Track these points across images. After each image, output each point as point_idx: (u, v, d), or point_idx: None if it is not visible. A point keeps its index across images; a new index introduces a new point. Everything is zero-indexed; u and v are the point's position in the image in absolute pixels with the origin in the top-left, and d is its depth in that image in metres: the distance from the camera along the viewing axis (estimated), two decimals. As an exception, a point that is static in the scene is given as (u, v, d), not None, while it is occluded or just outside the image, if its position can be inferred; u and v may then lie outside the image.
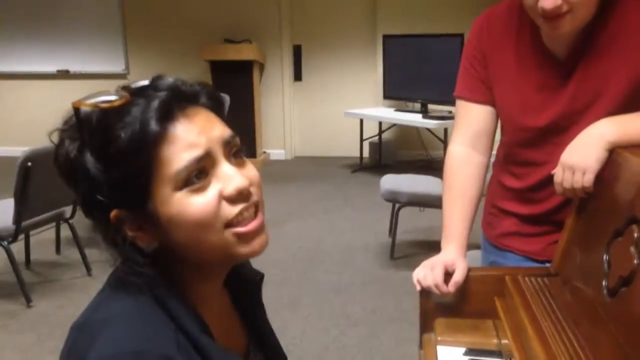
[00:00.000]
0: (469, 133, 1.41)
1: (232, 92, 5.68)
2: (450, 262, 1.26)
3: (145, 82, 0.72)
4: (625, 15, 1.24)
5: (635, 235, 0.96)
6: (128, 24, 6.61)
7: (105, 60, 6.75)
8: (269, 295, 0.91)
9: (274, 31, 6.49)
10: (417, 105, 5.85)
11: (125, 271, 0.70)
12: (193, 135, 0.69)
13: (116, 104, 0.66)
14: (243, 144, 0.78)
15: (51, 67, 6.82)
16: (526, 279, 1.23)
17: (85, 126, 0.66)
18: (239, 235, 0.72)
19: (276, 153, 6.77)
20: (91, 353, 0.62)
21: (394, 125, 6.16)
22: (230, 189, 0.71)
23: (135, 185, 0.66)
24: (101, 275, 3.50)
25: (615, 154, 1.16)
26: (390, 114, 5.82)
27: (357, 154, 6.30)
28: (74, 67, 6.78)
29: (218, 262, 0.75)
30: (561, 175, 1.19)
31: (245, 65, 6.16)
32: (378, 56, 6.31)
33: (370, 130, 6.24)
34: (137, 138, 0.65)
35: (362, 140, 6.22)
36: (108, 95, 0.67)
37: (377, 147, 6.33)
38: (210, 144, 0.70)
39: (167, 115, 0.68)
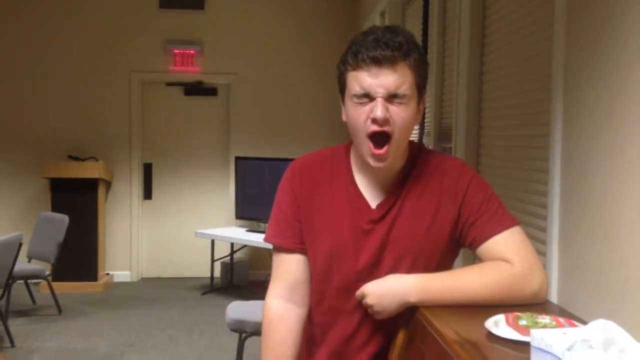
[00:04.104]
0: (285, 284, 1.40)
1: (74, 211, 5.41)
2: None
3: None
4: (433, 175, 1.37)
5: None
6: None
7: None
8: None
9: (124, 149, 6.35)
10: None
11: None
12: None
13: None
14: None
15: None
16: None
17: None
18: None
19: (121, 275, 6.39)
20: None
21: (246, 245, 6.13)
22: None
23: None
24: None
25: (419, 313, 1.22)
26: (241, 235, 5.80)
27: (208, 275, 6.13)
28: None
29: None
30: (360, 298, 1.32)
31: (90, 183, 5.90)
32: (231, 177, 6.38)
33: (222, 250, 6.15)
34: None
35: (212, 260, 6.09)
36: None
37: (229, 267, 6.22)
38: None
39: None
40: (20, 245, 4.40)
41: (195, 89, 6.47)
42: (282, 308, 1.38)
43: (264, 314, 1.40)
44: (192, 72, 6.38)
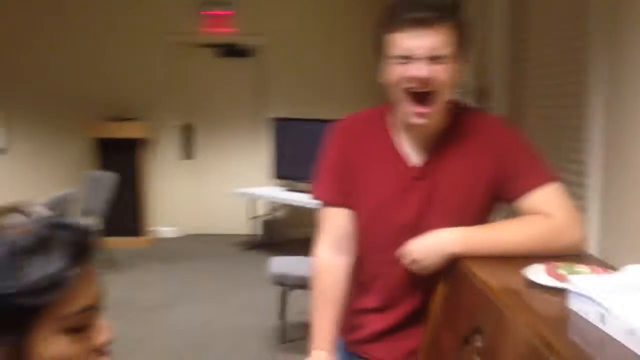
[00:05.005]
0: (331, 237, 1.47)
1: (119, 169, 5.60)
2: None
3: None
4: (473, 133, 1.41)
5: (478, 344, 1.07)
6: (6, 100, 6.31)
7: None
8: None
9: (163, 110, 6.49)
10: (307, 185, 6.01)
11: None
12: None
13: None
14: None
15: None
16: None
17: None
18: None
19: (167, 230, 6.63)
20: None
21: (284, 204, 6.26)
22: None
23: None
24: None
25: (461, 265, 1.29)
26: (281, 194, 5.93)
27: (250, 232, 6.31)
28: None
29: None
30: (403, 257, 1.36)
31: (133, 143, 6.08)
32: (268, 137, 6.47)
33: (262, 209, 6.30)
34: None
35: (252, 218, 6.26)
36: None
37: (270, 225, 6.38)
38: None
39: None
40: (74, 201, 4.61)
41: (231, 51, 6.52)
42: (330, 257, 1.46)
43: (313, 263, 1.48)
44: (227, 34, 6.41)
